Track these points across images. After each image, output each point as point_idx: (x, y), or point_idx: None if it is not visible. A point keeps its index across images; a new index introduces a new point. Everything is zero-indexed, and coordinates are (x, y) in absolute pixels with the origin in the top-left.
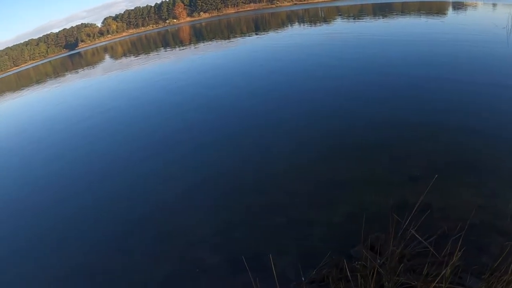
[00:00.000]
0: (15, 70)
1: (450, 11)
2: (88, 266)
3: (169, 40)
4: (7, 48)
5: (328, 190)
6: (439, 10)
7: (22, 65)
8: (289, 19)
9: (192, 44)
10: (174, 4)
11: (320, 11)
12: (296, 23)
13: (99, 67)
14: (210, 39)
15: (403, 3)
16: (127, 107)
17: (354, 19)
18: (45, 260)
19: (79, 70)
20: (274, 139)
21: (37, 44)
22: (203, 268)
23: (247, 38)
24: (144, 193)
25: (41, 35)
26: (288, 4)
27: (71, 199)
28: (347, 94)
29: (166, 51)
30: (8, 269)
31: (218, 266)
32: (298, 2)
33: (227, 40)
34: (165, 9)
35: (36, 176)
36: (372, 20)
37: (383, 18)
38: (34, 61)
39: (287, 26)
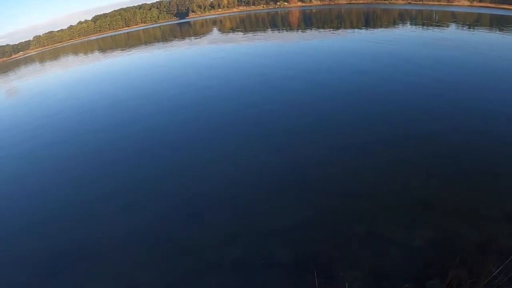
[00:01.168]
0: (126, 30)
1: None
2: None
3: (278, 22)
4: (121, 9)
5: (411, 210)
6: None
7: (133, 26)
8: (402, 18)
9: (300, 30)
10: None
11: (434, 14)
12: (408, 24)
13: (206, 38)
14: (318, 27)
15: None
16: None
17: (469, 28)
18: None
19: (186, 38)
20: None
21: (150, 9)
22: (270, 262)
23: (356, 32)
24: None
25: (154, 1)
26: (402, 2)
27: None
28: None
29: (273, 32)
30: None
31: (286, 264)
32: (412, 2)
33: (334, 31)
34: None
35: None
36: (488, 31)
37: (500, 31)
38: (144, 24)
39: (398, 25)
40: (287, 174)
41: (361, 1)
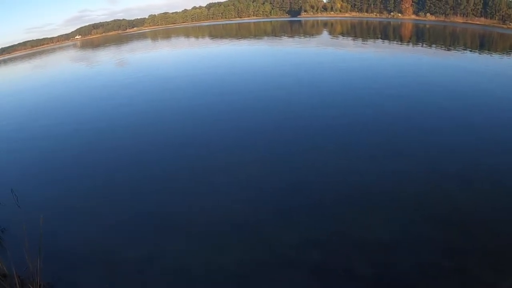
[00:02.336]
0: (238, 20)
1: None
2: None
3: (389, 33)
4: (235, 0)
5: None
6: None
7: (244, 18)
8: None
9: (411, 44)
10: None
11: None
12: None
13: (315, 40)
14: (430, 44)
15: None
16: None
17: None
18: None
19: (295, 36)
20: None
21: (263, 3)
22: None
23: (467, 53)
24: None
25: None
26: None
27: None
28: None
29: (383, 43)
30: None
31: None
32: None
33: (446, 49)
34: (393, 1)
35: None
36: None
37: None
38: (256, 17)
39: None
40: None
41: (477, 22)
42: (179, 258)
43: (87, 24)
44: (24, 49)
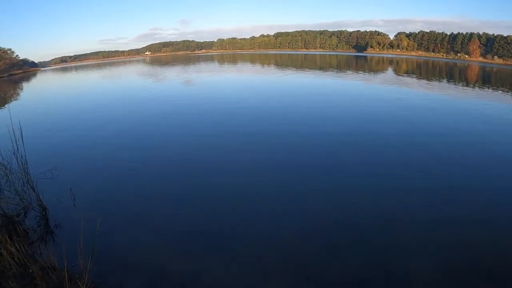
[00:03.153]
0: (304, 52)
1: None
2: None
3: (454, 74)
4: (302, 31)
5: None
6: None
7: (311, 49)
8: None
9: (477, 87)
10: (470, 39)
11: None
12: None
13: (380, 77)
14: (496, 88)
15: None
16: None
17: None
18: None
19: (360, 72)
20: None
21: (330, 37)
22: None
23: None
24: None
25: (335, 30)
26: None
27: None
28: None
29: (448, 84)
30: None
31: None
32: None
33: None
34: (460, 42)
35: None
36: None
37: None
38: (322, 50)
39: None
40: None
41: None
42: (223, 279)
43: (157, 42)
44: (96, 58)
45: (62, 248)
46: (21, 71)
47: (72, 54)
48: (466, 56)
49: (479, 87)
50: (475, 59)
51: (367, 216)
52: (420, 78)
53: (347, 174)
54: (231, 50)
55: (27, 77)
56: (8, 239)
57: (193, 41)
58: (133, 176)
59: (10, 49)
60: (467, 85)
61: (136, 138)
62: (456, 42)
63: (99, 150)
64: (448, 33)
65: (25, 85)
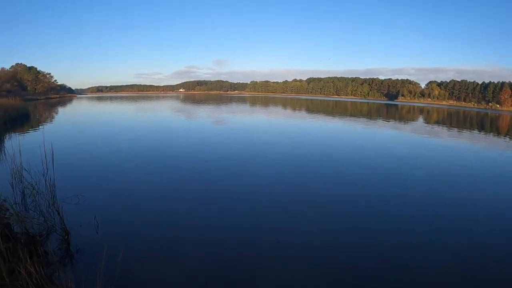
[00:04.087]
0: (335, 98)
1: None
2: None
3: (485, 124)
4: (335, 77)
5: None
6: None
7: (342, 96)
8: None
9: (508, 137)
10: (501, 88)
11: None
12: None
13: (410, 126)
14: None
15: None
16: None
17: None
18: None
19: (391, 120)
20: None
21: (362, 84)
22: None
23: None
24: None
25: (367, 77)
26: None
27: None
28: None
29: (479, 134)
30: None
31: None
32: None
33: None
34: (491, 91)
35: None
36: None
37: None
38: (353, 97)
39: None
40: None
41: None
42: None
43: (192, 79)
44: (131, 91)
45: (81, 274)
46: (58, 95)
47: (108, 85)
48: (498, 105)
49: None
50: (506, 109)
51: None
52: (451, 128)
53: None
54: (263, 93)
55: (63, 102)
56: (28, 259)
57: (226, 81)
58: (157, 209)
59: (49, 73)
60: (498, 135)
61: (163, 172)
62: (487, 91)
63: (127, 182)
64: (479, 82)
65: (60, 109)
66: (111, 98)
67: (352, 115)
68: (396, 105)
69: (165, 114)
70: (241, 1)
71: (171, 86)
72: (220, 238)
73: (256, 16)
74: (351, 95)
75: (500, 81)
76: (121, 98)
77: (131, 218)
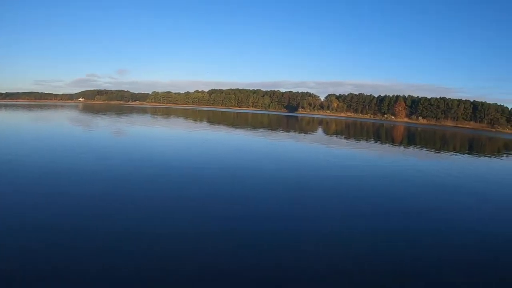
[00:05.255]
0: (237, 109)
1: None
2: None
3: (381, 134)
4: (236, 89)
5: None
6: None
7: (244, 108)
8: (507, 148)
9: (402, 146)
10: (396, 101)
11: None
12: None
13: (310, 137)
14: (421, 147)
15: None
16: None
17: None
18: None
19: (291, 132)
20: None
21: (263, 96)
22: None
23: (457, 157)
24: None
25: (268, 89)
26: (509, 131)
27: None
28: None
29: (375, 143)
30: None
31: None
32: None
33: (436, 152)
34: (387, 104)
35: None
36: None
37: None
38: (254, 109)
39: (502, 155)
40: None
41: (467, 126)
42: None
43: (92, 88)
44: (28, 98)
45: None
46: None
47: (3, 92)
48: (393, 117)
49: (404, 147)
50: (400, 120)
51: None
52: (349, 138)
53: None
54: (164, 104)
55: None
56: None
57: (127, 91)
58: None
59: None
60: (392, 144)
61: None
62: (383, 104)
63: None
64: (376, 96)
65: None
66: (5, 107)
67: (253, 126)
68: (296, 116)
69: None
70: (144, 9)
71: (70, 94)
72: None
73: (159, 25)
74: (252, 107)
75: (395, 95)
76: (16, 106)
77: None
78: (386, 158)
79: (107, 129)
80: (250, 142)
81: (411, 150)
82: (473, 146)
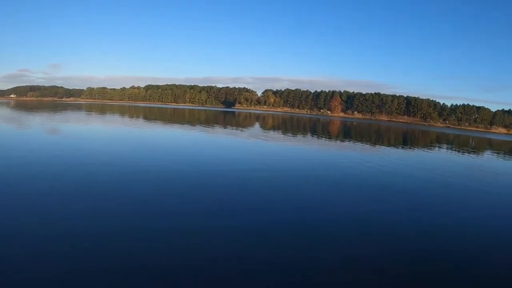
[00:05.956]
0: (173, 105)
1: None
2: None
3: (318, 129)
4: (173, 85)
5: None
6: None
7: (180, 104)
8: (438, 141)
9: (339, 140)
10: (332, 96)
11: (471, 141)
12: (445, 148)
13: (247, 132)
14: (356, 140)
15: None
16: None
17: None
18: None
19: (228, 127)
20: None
21: (200, 92)
22: None
23: (392, 149)
24: None
25: (205, 85)
26: (441, 125)
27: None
28: None
29: (312, 137)
30: None
31: None
32: (451, 126)
33: (372, 145)
34: (323, 99)
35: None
36: None
37: None
38: (191, 104)
39: (434, 148)
40: None
41: (401, 120)
42: None
43: (24, 84)
44: None
45: None
46: None
47: None
48: (329, 112)
49: (340, 140)
50: (336, 115)
51: None
52: (286, 133)
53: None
54: (100, 100)
55: None
56: None
57: (61, 87)
58: None
59: None
60: (329, 138)
61: None
62: (319, 99)
63: None
64: (312, 91)
65: None
66: None
67: (191, 122)
68: (234, 112)
69: None
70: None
71: (1, 91)
72: None
73: (94, 18)
74: (189, 102)
75: (331, 90)
76: None
77: None
78: (311, 152)
79: (36, 130)
80: (185, 138)
81: (346, 144)
82: (407, 140)
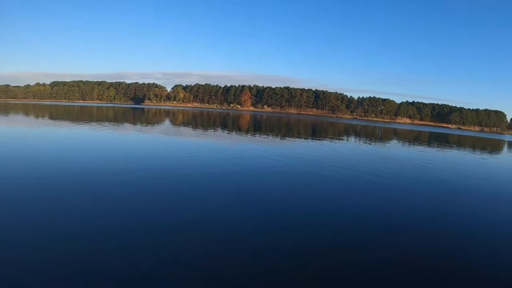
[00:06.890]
0: (81, 103)
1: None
2: None
3: (228, 123)
4: (80, 81)
5: None
6: (494, 148)
7: (88, 101)
8: (347, 131)
9: (249, 133)
10: (242, 91)
11: (377, 130)
12: (353, 137)
13: (157, 129)
14: (266, 133)
15: (459, 136)
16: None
17: (408, 143)
18: None
19: (137, 124)
20: None
21: (108, 88)
22: None
23: (302, 141)
24: None
25: (114, 81)
26: (349, 117)
27: None
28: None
29: (222, 131)
30: None
31: None
32: (358, 117)
33: (282, 138)
34: (233, 94)
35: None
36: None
37: (436, 148)
38: (99, 101)
39: (343, 138)
40: None
41: (310, 113)
42: None
43: None
44: None
45: None
46: None
47: None
48: (239, 106)
49: (251, 134)
50: (246, 109)
51: None
52: (195, 128)
53: None
54: (3, 99)
55: None
56: None
57: None
58: None
59: None
60: (240, 132)
61: None
62: (229, 93)
63: None
64: (222, 86)
65: None
66: None
67: (99, 120)
68: (143, 108)
69: None
70: None
71: None
72: None
73: None
74: (97, 99)
75: (241, 85)
76: None
77: None
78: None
79: None
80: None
81: (257, 137)
82: (316, 131)
